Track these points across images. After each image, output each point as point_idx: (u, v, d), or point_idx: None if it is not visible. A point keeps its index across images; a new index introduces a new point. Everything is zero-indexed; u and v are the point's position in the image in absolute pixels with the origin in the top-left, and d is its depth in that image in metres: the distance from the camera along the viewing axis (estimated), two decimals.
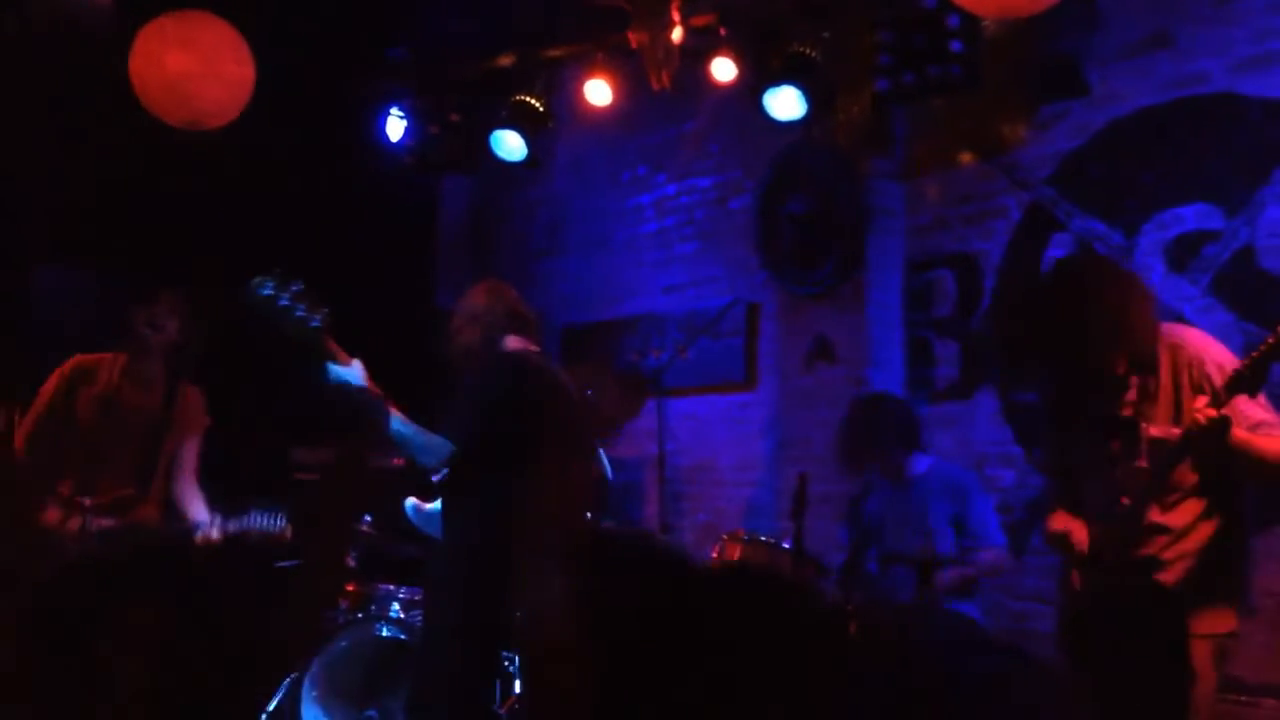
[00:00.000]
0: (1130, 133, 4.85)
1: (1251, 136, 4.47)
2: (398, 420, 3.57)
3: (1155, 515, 3.08)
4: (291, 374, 3.81)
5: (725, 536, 4.44)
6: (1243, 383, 2.87)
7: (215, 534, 4.34)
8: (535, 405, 3.68)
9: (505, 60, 5.63)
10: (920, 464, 4.58)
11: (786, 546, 3.99)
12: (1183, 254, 4.65)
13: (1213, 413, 2.86)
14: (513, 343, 3.83)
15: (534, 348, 3.89)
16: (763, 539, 4.23)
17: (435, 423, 3.62)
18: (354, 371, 3.58)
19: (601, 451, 4.18)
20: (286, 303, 3.60)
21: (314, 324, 3.60)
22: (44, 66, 4.96)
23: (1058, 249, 5.04)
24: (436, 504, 3.73)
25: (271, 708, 4.68)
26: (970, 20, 4.63)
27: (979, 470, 5.02)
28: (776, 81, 4.94)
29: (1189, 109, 4.68)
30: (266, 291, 3.62)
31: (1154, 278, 4.64)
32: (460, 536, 3.68)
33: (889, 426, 4.51)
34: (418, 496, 3.80)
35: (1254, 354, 2.85)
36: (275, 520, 4.32)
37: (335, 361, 3.60)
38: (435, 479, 3.70)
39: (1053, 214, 5.07)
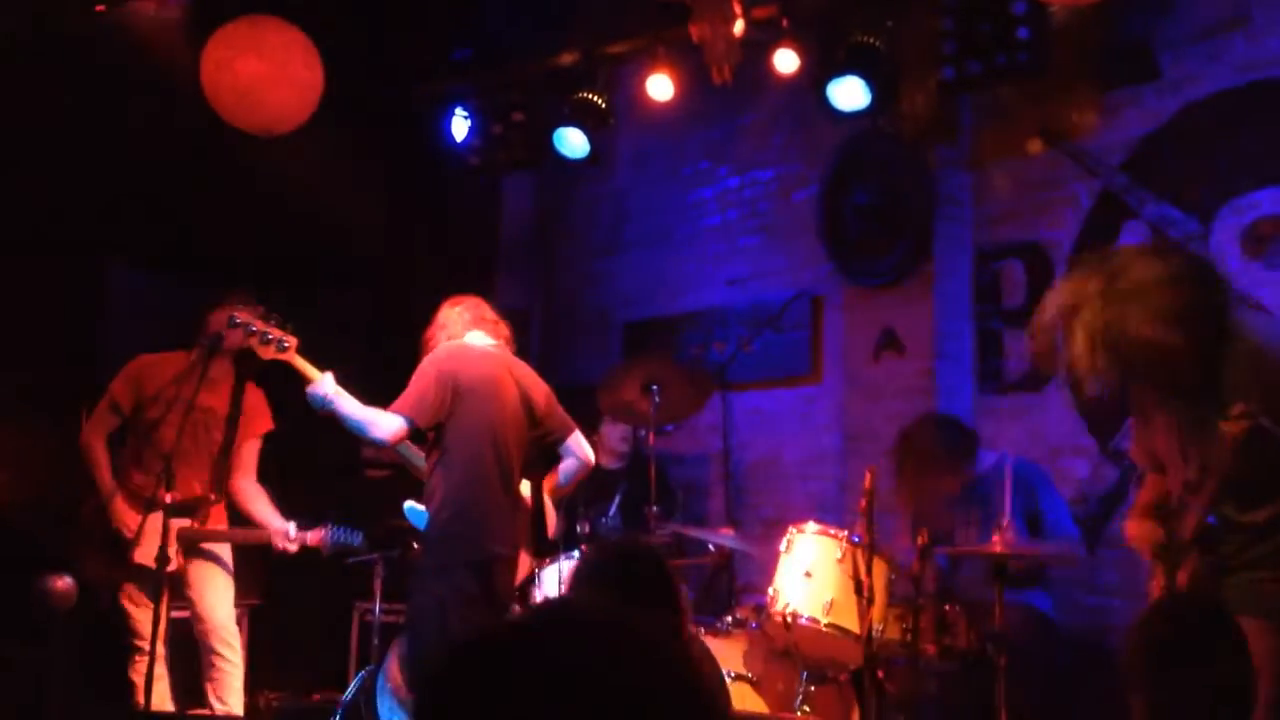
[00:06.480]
0: (1204, 117, 4.75)
1: None
2: (349, 405, 3.86)
3: (1233, 513, 3.00)
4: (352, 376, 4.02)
5: (793, 527, 4.41)
6: None
7: (292, 546, 4.46)
8: (464, 387, 3.94)
9: (567, 58, 5.64)
10: (985, 459, 4.52)
11: (856, 540, 3.96)
12: (1259, 239, 4.54)
13: None
14: (473, 339, 4.10)
15: (494, 344, 4.14)
16: (832, 532, 4.20)
17: None
18: (327, 384, 3.88)
19: (578, 440, 4.29)
20: (255, 330, 4.00)
21: (283, 347, 3.98)
22: (117, 72, 5.05)
23: (1130, 236, 4.94)
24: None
25: (347, 699, 4.76)
26: (1036, 6, 4.56)
27: (1052, 463, 4.95)
28: (840, 72, 4.90)
29: (1265, 91, 4.57)
30: (237, 321, 4.05)
31: (1230, 263, 4.54)
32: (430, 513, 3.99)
33: (948, 451, 4.46)
34: (414, 500, 4.19)
35: None
36: (353, 536, 4.46)
37: (308, 379, 3.92)
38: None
39: (1125, 201, 4.98)
